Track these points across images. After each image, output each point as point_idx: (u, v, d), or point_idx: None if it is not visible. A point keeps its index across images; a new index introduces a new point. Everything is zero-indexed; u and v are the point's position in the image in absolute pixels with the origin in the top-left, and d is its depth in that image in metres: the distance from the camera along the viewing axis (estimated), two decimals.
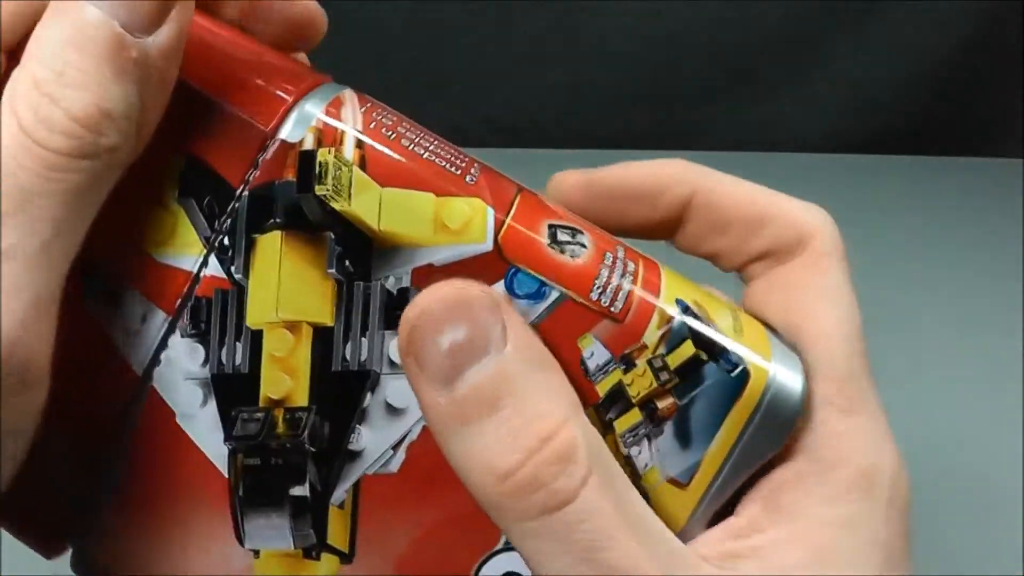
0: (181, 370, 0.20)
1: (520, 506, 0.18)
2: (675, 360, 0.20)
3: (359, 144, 0.20)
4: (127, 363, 0.20)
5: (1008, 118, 0.98)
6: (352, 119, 0.20)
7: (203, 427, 0.20)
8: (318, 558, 0.21)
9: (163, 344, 0.20)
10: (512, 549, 0.20)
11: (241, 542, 0.21)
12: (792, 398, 0.21)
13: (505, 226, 0.20)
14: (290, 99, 0.20)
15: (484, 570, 0.21)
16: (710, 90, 0.91)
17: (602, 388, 0.20)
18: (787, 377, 0.21)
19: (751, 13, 0.90)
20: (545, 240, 0.20)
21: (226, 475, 0.20)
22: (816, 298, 0.23)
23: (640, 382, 0.20)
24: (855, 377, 0.22)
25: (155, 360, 0.20)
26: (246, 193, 0.20)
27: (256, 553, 0.21)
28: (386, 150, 0.20)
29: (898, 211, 0.79)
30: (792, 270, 0.24)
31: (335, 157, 0.20)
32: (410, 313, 0.19)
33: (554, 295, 0.20)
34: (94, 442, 0.20)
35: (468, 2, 0.85)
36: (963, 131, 0.97)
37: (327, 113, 0.20)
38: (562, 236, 0.21)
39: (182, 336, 0.20)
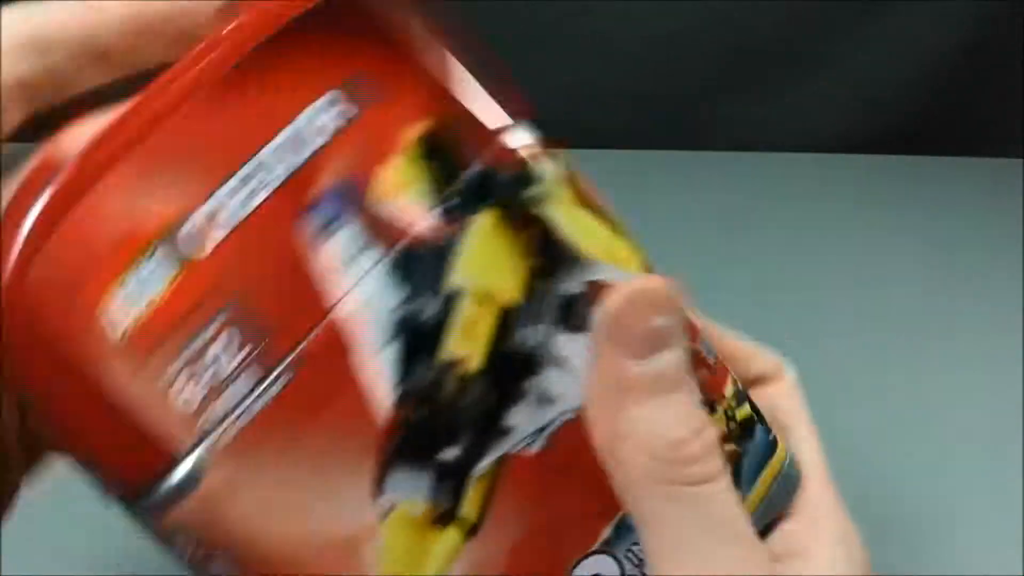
0: (373, 309, 0.20)
1: (677, 473, 0.21)
2: (740, 415, 0.25)
3: (569, 166, 0.23)
4: (320, 292, 0.20)
5: (1008, 118, 0.98)
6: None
7: (375, 369, 0.20)
8: (446, 527, 0.21)
9: (365, 282, 0.20)
10: (602, 552, 0.22)
11: (375, 495, 0.20)
12: (797, 468, 0.27)
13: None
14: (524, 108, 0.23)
15: (577, 570, 0.22)
16: (710, 90, 0.91)
17: None
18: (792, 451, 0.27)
19: (751, 13, 0.90)
20: None
21: (381, 422, 0.20)
22: (797, 421, 0.29)
23: (717, 424, 0.24)
24: (828, 483, 0.28)
25: (350, 294, 0.20)
26: (478, 169, 0.22)
27: (386, 513, 0.20)
28: (583, 182, 0.23)
29: (898, 211, 0.79)
30: (776, 394, 0.30)
31: (553, 165, 0.23)
32: (627, 289, 0.22)
33: None
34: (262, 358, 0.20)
35: (468, 2, 0.85)
36: (963, 131, 0.97)
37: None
38: None
39: (385, 278, 0.21)
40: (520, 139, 0.23)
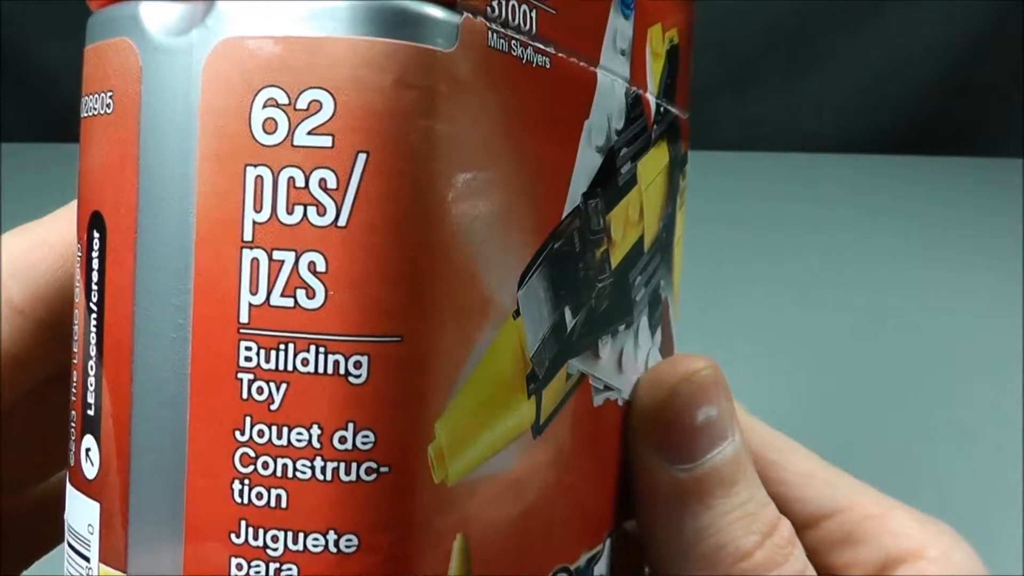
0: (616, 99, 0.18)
1: None
2: None
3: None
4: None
5: (1008, 118, 0.98)
6: None
7: (580, 166, 0.17)
8: (528, 396, 0.16)
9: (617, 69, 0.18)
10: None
11: (519, 283, 0.15)
12: None
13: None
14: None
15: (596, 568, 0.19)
16: (710, 89, 0.91)
17: None
18: None
19: (751, 13, 0.90)
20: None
21: (563, 207, 0.16)
22: None
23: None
24: None
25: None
26: (677, 116, 0.22)
27: (514, 313, 0.15)
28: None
29: (898, 211, 0.79)
30: None
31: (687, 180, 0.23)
32: (660, 385, 0.19)
33: None
34: None
35: None
36: (963, 131, 0.97)
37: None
38: None
39: (624, 89, 0.19)
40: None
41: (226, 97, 0.13)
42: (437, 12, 0.13)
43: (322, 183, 0.13)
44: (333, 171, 0.13)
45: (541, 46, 0.15)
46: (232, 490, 0.13)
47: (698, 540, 0.19)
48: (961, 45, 0.97)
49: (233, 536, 0.13)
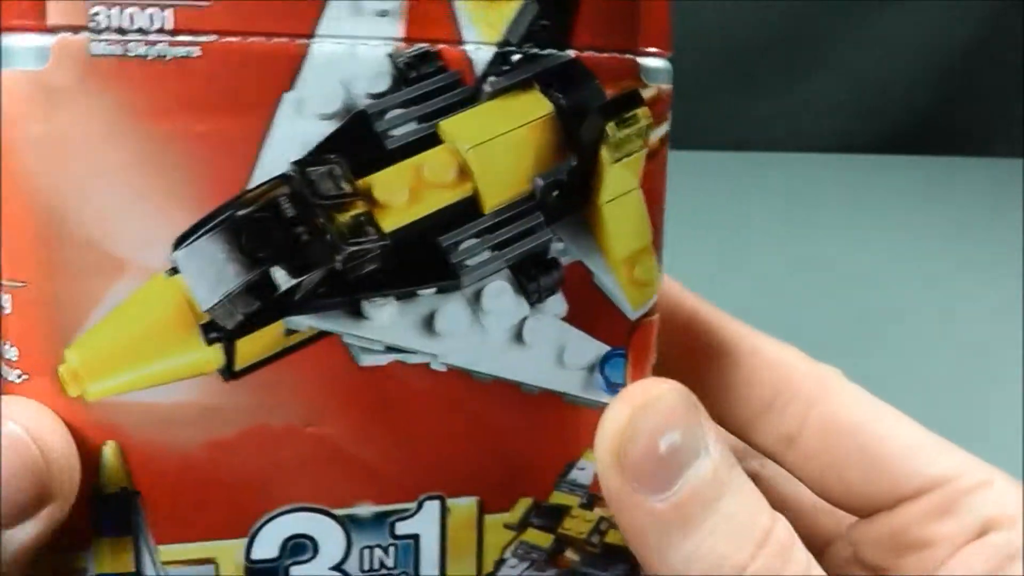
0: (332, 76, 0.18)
1: None
2: (614, 536, 0.21)
3: (663, 142, 0.20)
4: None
5: (1008, 118, 0.98)
6: (668, 122, 0.20)
7: (283, 139, 0.18)
8: (209, 344, 0.18)
9: (363, 42, 0.19)
10: (299, 511, 0.19)
11: (178, 243, 0.18)
12: None
13: (646, 321, 0.21)
14: (666, 53, 0.20)
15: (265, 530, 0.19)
16: (710, 90, 0.92)
17: (554, 498, 0.21)
18: None
19: (751, 13, 0.90)
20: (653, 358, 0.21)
21: (257, 193, 0.18)
22: None
23: (576, 525, 0.21)
24: None
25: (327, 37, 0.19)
26: (571, 56, 0.19)
27: (170, 272, 0.18)
28: (661, 173, 0.20)
29: (898, 211, 0.79)
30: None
31: (646, 124, 0.20)
32: (617, 420, 0.19)
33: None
34: None
35: None
36: (963, 131, 0.97)
37: (669, 97, 0.20)
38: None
39: (384, 61, 0.19)
40: (660, 77, 0.20)
41: None
42: (18, 42, 0.17)
43: None
44: None
45: (187, 39, 0.18)
46: None
47: (689, 566, 0.18)
48: (961, 45, 0.97)
49: None
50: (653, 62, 0.20)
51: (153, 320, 0.18)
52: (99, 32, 0.17)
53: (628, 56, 0.20)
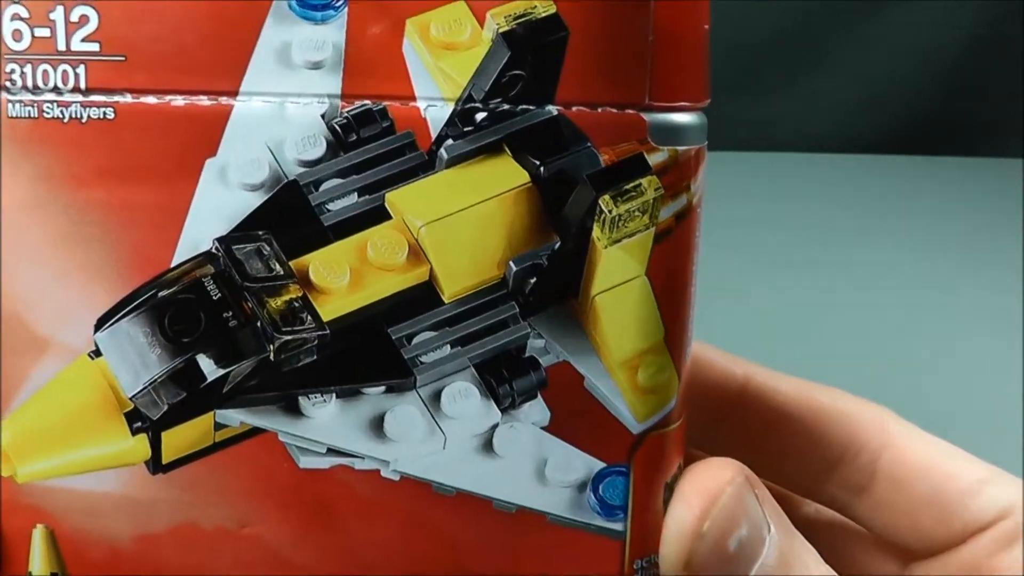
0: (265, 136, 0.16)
1: None
2: None
3: (681, 216, 0.17)
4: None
5: (1008, 118, 0.97)
6: (701, 185, 0.17)
7: (206, 211, 0.16)
8: (134, 434, 0.17)
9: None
10: None
11: (98, 325, 0.17)
12: None
13: (657, 434, 0.18)
14: (695, 105, 0.17)
15: None
16: (714, 91, 0.91)
17: None
18: None
19: (752, 13, 0.90)
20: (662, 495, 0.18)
21: (188, 280, 0.16)
22: None
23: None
24: None
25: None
26: (559, 114, 0.16)
27: (93, 354, 0.17)
28: (683, 254, 0.17)
29: (898, 211, 0.79)
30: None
31: (654, 198, 0.16)
32: (681, 524, 0.17)
33: (618, 523, 0.18)
34: None
35: None
36: (963, 131, 0.97)
37: (694, 161, 0.17)
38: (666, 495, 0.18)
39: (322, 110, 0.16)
40: (673, 138, 0.17)
41: None
42: None
43: None
44: None
45: (101, 99, 0.16)
46: None
47: None
48: (961, 45, 0.97)
49: None
50: (670, 118, 0.17)
51: (78, 404, 0.17)
52: (14, 92, 0.16)
53: (632, 112, 0.16)
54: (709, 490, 0.17)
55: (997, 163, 0.89)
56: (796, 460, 0.22)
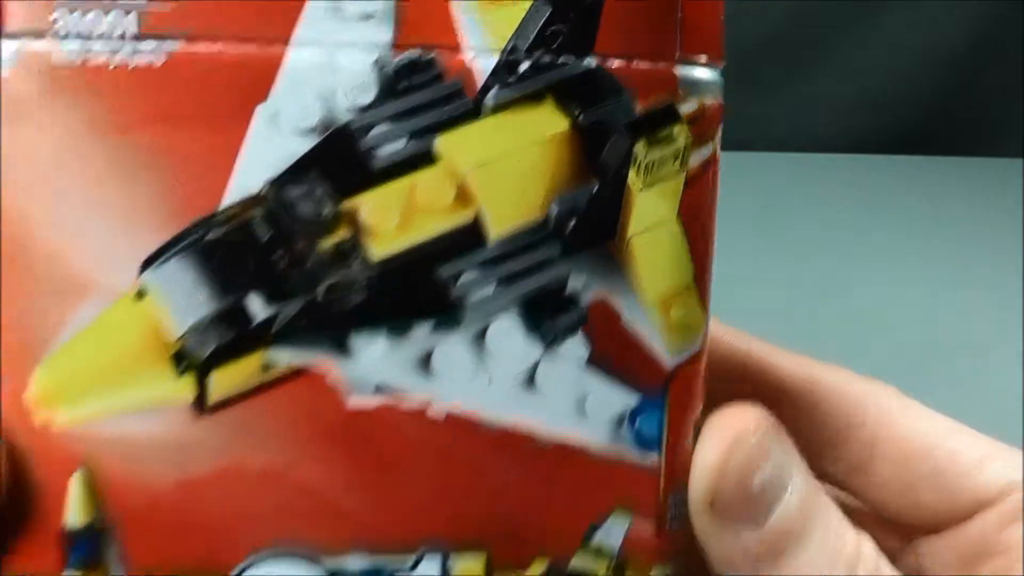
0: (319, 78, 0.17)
1: None
2: None
3: (707, 164, 0.18)
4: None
5: (1008, 118, 0.98)
6: (719, 139, 0.18)
7: (257, 155, 0.17)
8: (180, 375, 0.17)
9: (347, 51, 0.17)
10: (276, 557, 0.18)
11: (143, 264, 0.17)
12: None
13: (688, 368, 0.19)
14: (717, 62, 0.18)
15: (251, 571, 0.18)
16: None
17: (577, 561, 0.18)
18: None
19: (752, 12, 0.90)
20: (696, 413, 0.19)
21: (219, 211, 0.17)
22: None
23: None
24: None
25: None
26: (598, 66, 0.17)
27: (138, 296, 0.17)
28: (708, 201, 0.18)
29: (898, 211, 0.79)
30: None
31: (685, 144, 0.18)
32: (708, 459, 0.18)
33: (653, 457, 0.18)
34: None
35: None
36: (963, 131, 0.97)
37: (717, 114, 0.18)
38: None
39: (375, 72, 0.17)
40: (701, 92, 0.18)
41: None
42: None
43: None
44: None
45: (152, 45, 0.16)
46: None
47: None
48: (961, 45, 0.97)
49: None
50: (696, 72, 0.18)
51: (121, 346, 0.17)
52: (61, 38, 0.16)
53: (664, 65, 0.18)
54: (735, 430, 0.18)
55: (997, 163, 0.89)
56: (796, 435, 0.22)
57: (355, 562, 0.18)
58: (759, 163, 0.85)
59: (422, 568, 0.18)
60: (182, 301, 0.17)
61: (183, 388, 0.17)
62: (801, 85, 0.96)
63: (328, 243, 0.17)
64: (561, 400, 0.18)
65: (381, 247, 0.17)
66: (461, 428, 0.18)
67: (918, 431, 0.22)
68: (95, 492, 0.17)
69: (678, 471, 0.18)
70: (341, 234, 0.17)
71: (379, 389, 0.17)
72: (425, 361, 0.17)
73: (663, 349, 0.18)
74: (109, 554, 0.17)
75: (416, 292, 0.17)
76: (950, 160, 0.90)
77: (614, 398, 0.18)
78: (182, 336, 0.17)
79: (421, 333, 0.17)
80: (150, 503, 0.17)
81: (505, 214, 0.17)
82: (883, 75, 0.96)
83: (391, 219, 0.17)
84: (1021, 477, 0.21)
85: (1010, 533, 0.21)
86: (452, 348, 0.18)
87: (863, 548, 0.19)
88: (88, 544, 0.17)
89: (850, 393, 0.22)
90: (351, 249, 0.17)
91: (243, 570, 0.18)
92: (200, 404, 0.17)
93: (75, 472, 0.17)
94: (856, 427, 0.22)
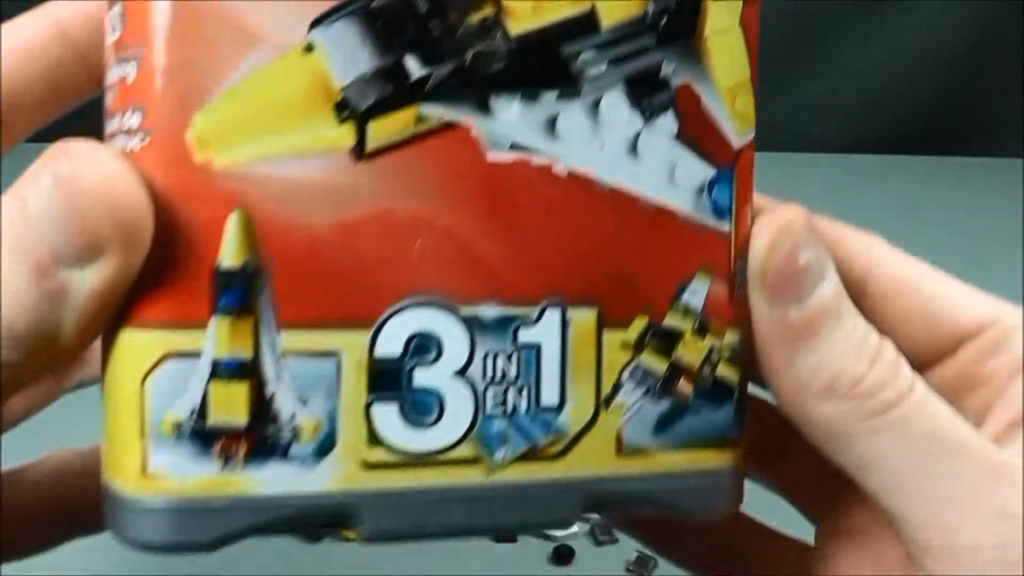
0: None
1: (870, 406, 0.20)
2: (723, 370, 0.21)
3: None
4: None
5: (1008, 118, 0.98)
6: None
7: None
8: (341, 122, 0.19)
9: None
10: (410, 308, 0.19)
11: (315, 24, 0.19)
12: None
13: (748, 151, 0.22)
14: None
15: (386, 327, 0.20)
16: None
17: (669, 319, 0.21)
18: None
19: None
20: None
21: None
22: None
23: (689, 353, 0.21)
24: None
25: None
26: None
27: (308, 48, 0.19)
28: (756, 20, 0.22)
29: (898, 211, 0.79)
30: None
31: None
32: (762, 237, 0.21)
33: (726, 225, 0.21)
34: None
35: None
36: (963, 131, 0.97)
37: None
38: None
39: None
40: None
41: None
42: None
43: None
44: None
45: None
46: None
47: (816, 374, 0.20)
48: (962, 45, 0.97)
49: None
50: None
51: (287, 92, 0.18)
52: None
53: None
54: (784, 215, 0.21)
55: (997, 163, 0.89)
56: None
57: (489, 311, 0.20)
58: (759, 163, 0.85)
59: (544, 320, 0.20)
60: (347, 57, 0.19)
61: (344, 134, 0.19)
62: (801, 85, 0.96)
63: (475, 18, 0.20)
64: (656, 167, 0.21)
65: (518, 25, 0.20)
66: (579, 185, 0.20)
67: (905, 273, 0.24)
68: (251, 233, 0.18)
69: (741, 241, 0.21)
70: (486, 11, 0.20)
71: (514, 146, 0.20)
72: (551, 124, 0.20)
73: (731, 131, 0.22)
74: (260, 300, 0.18)
75: (544, 65, 0.20)
76: (950, 160, 0.90)
77: (696, 169, 0.21)
78: (345, 87, 0.19)
79: (548, 99, 0.20)
80: (305, 246, 0.18)
81: (615, 7, 0.21)
82: (883, 75, 0.97)
83: (527, 2, 0.20)
84: (1000, 311, 0.24)
85: (991, 365, 0.23)
86: (573, 114, 0.20)
87: (886, 346, 0.21)
88: (240, 287, 0.18)
89: (838, 239, 0.24)
90: (494, 24, 0.20)
91: (386, 320, 0.19)
92: (359, 149, 0.19)
93: (232, 212, 0.18)
94: (846, 269, 0.23)
